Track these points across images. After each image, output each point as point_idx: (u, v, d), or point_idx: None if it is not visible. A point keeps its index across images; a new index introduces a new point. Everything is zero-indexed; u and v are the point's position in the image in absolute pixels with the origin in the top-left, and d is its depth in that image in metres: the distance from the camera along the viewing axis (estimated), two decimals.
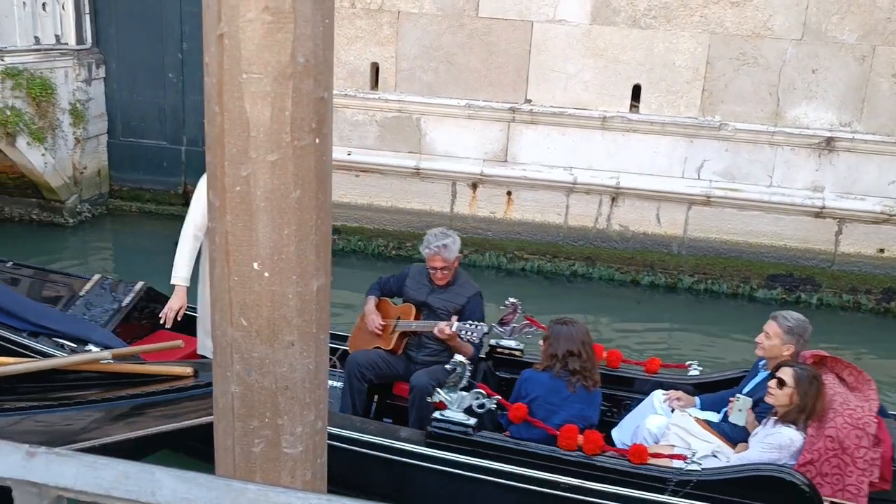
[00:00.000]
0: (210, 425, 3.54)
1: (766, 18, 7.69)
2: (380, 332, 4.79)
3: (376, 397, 4.85)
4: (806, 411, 3.71)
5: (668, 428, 4.13)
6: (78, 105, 9.26)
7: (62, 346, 4.53)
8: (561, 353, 4.13)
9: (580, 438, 3.90)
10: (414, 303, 4.78)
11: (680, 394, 4.41)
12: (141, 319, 5.26)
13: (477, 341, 4.52)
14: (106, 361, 4.00)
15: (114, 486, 0.99)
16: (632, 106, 8.15)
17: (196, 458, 4.35)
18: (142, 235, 9.53)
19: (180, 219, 9.59)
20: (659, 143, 8.09)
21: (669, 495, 3.72)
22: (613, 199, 8.30)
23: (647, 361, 4.86)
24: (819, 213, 7.94)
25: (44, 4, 8.84)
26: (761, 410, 4.00)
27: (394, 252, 8.71)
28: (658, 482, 3.73)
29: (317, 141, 1.36)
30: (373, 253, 8.69)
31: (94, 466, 1.01)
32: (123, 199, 9.99)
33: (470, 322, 4.50)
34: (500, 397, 4.17)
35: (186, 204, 9.65)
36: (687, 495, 3.71)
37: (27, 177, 8.95)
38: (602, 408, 4.56)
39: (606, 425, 4.48)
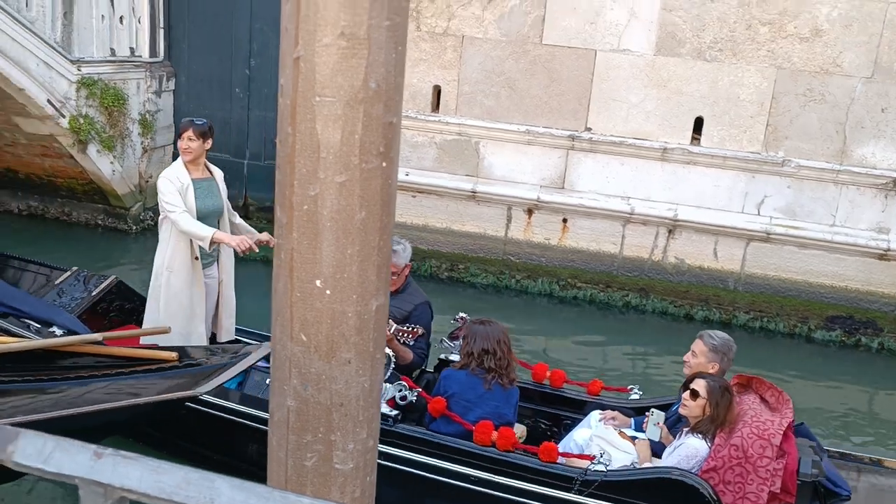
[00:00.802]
0: (168, 406, 3.56)
1: (836, 55, 7.57)
2: None
3: None
4: (717, 422, 3.87)
5: (591, 439, 4.30)
6: (147, 116, 9.53)
7: (28, 326, 4.69)
8: (477, 352, 4.27)
9: (494, 434, 4.03)
10: None
11: (615, 414, 4.54)
12: (109, 311, 5.49)
13: (411, 343, 4.67)
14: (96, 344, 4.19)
15: (175, 491, 1.02)
16: (693, 138, 8.09)
17: (147, 446, 4.64)
18: None
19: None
20: (720, 176, 8.00)
21: (575, 494, 3.87)
22: (670, 232, 8.22)
23: (590, 383, 5.02)
24: (883, 256, 7.75)
25: (121, 18, 9.15)
26: (680, 425, 4.18)
27: (446, 274, 8.74)
28: (565, 481, 3.88)
29: (384, 164, 1.39)
30: (425, 273, 8.74)
31: (157, 470, 1.04)
32: None
33: (408, 325, 4.66)
34: (420, 390, 4.34)
35: (246, 217, 9.88)
36: (592, 495, 3.86)
37: (95, 183, 9.23)
38: (543, 426, 4.83)
39: (548, 441, 4.54)
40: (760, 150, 7.89)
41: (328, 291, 1.41)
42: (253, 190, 9.89)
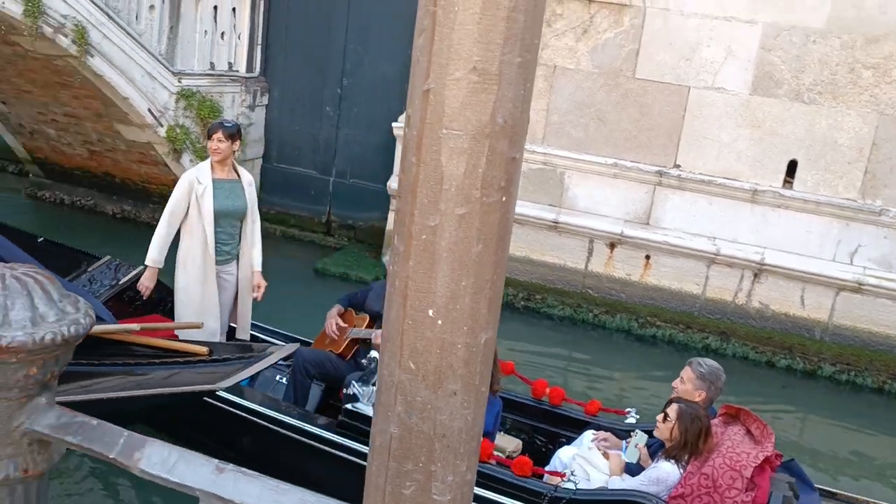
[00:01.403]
0: (191, 396, 3.72)
1: None
2: (335, 337, 5.10)
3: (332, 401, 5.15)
4: (688, 448, 3.88)
5: (573, 458, 4.38)
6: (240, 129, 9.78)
7: None
8: None
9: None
10: (371, 314, 5.11)
11: (608, 435, 4.56)
12: (134, 300, 5.71)
13: None
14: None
15: None
16: (786, 181, 7.89)
17: (163, 433, 4.58)
18: (284, 258, 9.91)
19: (321, 246, 10.02)
20: (811, 222, 7.78)
21: None
22: (756, 275, 8.01)
23: (588, 403, 5.06)
24: None
25: (222, 34, 9.45)
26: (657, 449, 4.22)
27: (522, 303, 8.70)
28: (535, 496, 3.98)
29: (503, 199, 1.39)
30: (502, 301, 8.72)
31: (276, 490, 1.05)
32: (270, 221, 10.42)
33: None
34: None
35: (328, 233, 10.08)
36: None
37: None
38: (538, 442, 4.94)
39: (542, 457, 4.70)
40: (857, 197, 7.65)
41: (440, 321, 1.42)
42: (337, 207, 10.05)
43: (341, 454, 4.37)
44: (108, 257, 6.14)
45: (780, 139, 7.82)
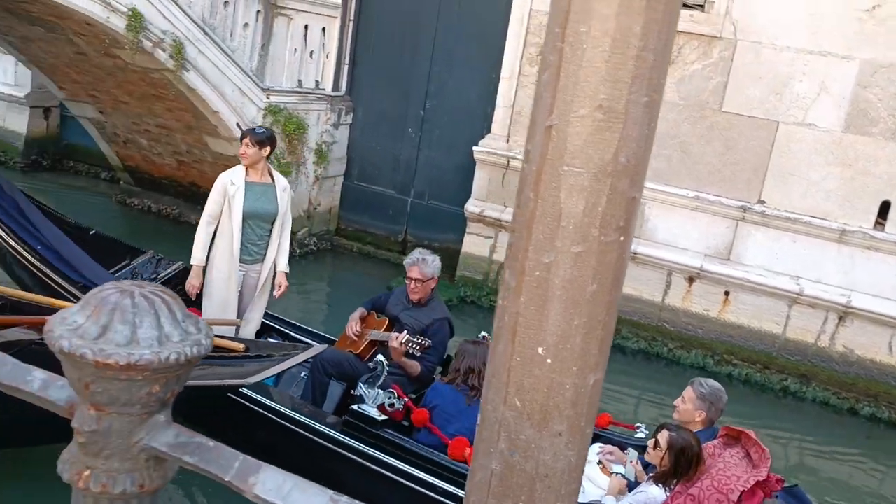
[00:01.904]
0: (220, 390, 3.94)
1: None
2: (355, 338, 5.29)
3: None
4: (678, 475, 3.82)
5: None
6: (323, 146, 9.96)
7: None
8: (463, 369, 4.56)
9: (467, 451, 4.18)
10: (390, 317, 5.30)
11: (613, 449, 4.56)
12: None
13: (418, 354, 4.90)
14: None
15: None
16: (877, 222, 7.62)
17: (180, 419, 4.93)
18: (358, 275, 10.01)
19: (396, 265, 10.08)
20: None
21: None
22: (841, 318, 7.74)
23: (599, 416, 4.98)
24: None
25: (311, 52, 9.65)
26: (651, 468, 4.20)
27: None
28: None
29: (621, 239, 1.37)
30: None
31: None
32: (347, 238, 10.57)
33: (418, 336, 4.90)
34: (407, 399, 4.60)
35: (404, 252, 10.13)
36: None
37: None
38: None
39: None
40: None
41: (549, 360, 1.40)
42: (414, 227, 10.11)
43: (346, 453, 4.52)
44: (151, 252, 6.53)
45: (873, 179, 7.57)
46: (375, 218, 10.35)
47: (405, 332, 4.95)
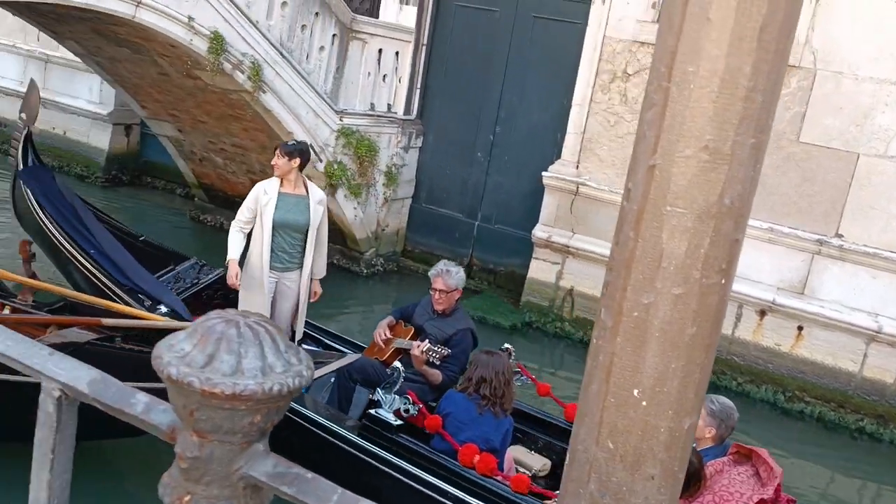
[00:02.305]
0: None
1: None
2: (383, 346, 5.43)
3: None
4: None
5: None
6: (393, 169, 10.05)
7: (142, 301, 5.84)
8: (475, 378, 4.64)
9: (476, 458, 4.32)
10: (415, 327, 5.43)
11: None
12: (213, 298, 6.45)
13: (437, 363, 5.03)
14: None
15: None
16: None
17: None
18: (423, 296, 10.03)
19: (462, 289, 10.02)
20: None
21: None
22: None
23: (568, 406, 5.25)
24: None
25: (384, 76, 9.77)
26: None
27: None
28: None
29: (722, 281, 1.34)
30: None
31: None
32: (413, 259, 10.62)
33: (438, 346, 5.03)
34: (422, 405, 4.72)
35: (469, 276, 10.10)
36: None
37: (338, 225, 9.81)
38: (562, 459, 4.86)
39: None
40: None
41: (644, 403, 1.37)
42: (479, 251, 10.12)
43: (363, 456, 4.66)
44: (194, 259, 6.87)
45: None
46: (442, 241, 10.39)
47: (426, 340, 5.10)
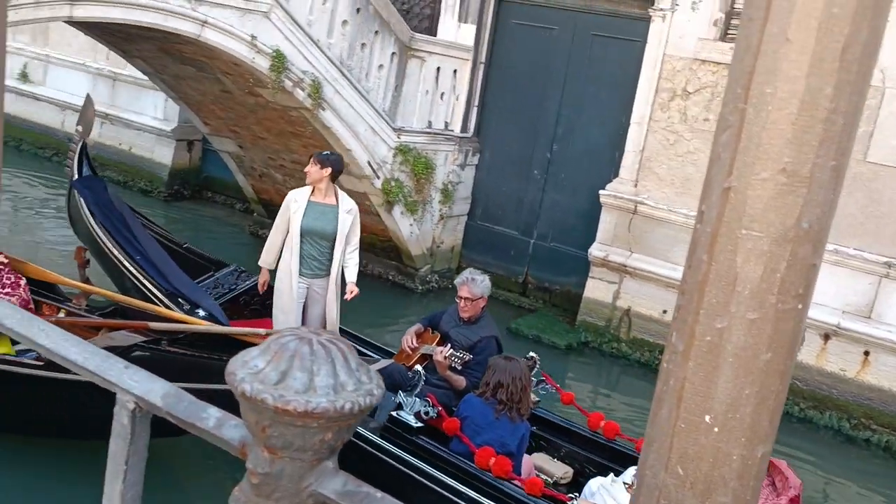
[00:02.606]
0: None
1: None
2: (410, 352, 5.58)
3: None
4: None
5: (599, 489, 4.55)
6: (449, 186, 10.09)
7: (181, 305, 6.09)
8: (493, 383, 4.73)
9: (492, 460, 4.45)
10: (442, 333, 5.56)
11: None
12: (250, 304, 6.74)
13: (459, 368, 5.18)
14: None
15: None
16: None
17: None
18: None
19: (516, 307, 10.05)
20: None
21: None
22: None
23: (639, 440, 5.10)
24: None
25: (442, 94, 9.83)
26: None
27: None
28: None
29: (799, 307, 1.31)
30: (649, 367, 8.44)
31: None
32: None
33: (461, 352, 5.17)
34: (440, 408, 4.91)
35: (524, 294, 10.10)
36: None
37: (393, 242, 9.89)
38: (588, 471, 5.15)
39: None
40: None
41: (716, 429, 1.34)
42: (535, 269, 10.07)
43: (382, 456, 4.84)
44: (234, 265, 7.19)
45: None
46: (497, 258, 10.37)
47: (449, 346, 5.25)
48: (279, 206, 10.86)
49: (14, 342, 5.04)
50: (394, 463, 4.76)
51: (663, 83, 8.61)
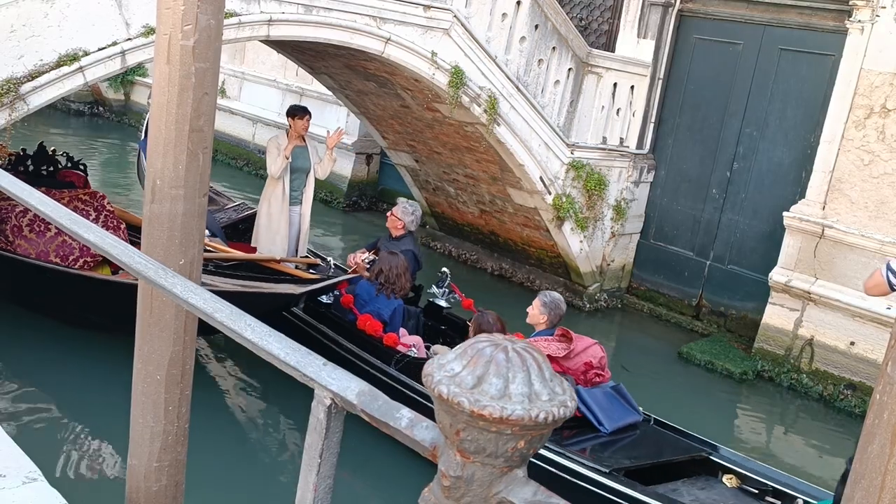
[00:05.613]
0: (287, 300, 6.33)
1: None
2: (352, 264, 6.96)
3: None
4: None
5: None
6: (622, 203, 9.91)
7: None
8: (376, 270, 6.38)
9: (368, 323, 6.12)
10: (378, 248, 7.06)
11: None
12: (247, 231, 7.98)
13: (368, 266, 6.67)
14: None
15: None
16: None
17: None
18: (647, 336, 9.76)
19: (688, 330, 9.72)
20: None
21: (392, 367, 5.94)
22: None
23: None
24: None
25: (618, 110, 9.69)
26: None
27: (858, 409, 7.68)
28: (390, 358, 6.00)
29: None
30: (831, 402, 7.94)
31: None
32: (638, 297, 10.38)
33: (370, 255, 6.84)
34: (340, 293, 6.53)
35: (697, 317, 9.76)
36: (401, 370, 5.90)
37: (562, 258, 9.82)
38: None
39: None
40: None
41: None
42: (710, 292, 9.71)
43: (305, 328, 6.57)
44: (240, 201, 9.03)
45: None
46: (670, 279, 10.07)
47: (369, 253, 6.86)
48: (451, 219, 11.18)
49: (113, 267, 6.52)
50: (310, 332, 6.51)
51: (859, 99, 8.08)
